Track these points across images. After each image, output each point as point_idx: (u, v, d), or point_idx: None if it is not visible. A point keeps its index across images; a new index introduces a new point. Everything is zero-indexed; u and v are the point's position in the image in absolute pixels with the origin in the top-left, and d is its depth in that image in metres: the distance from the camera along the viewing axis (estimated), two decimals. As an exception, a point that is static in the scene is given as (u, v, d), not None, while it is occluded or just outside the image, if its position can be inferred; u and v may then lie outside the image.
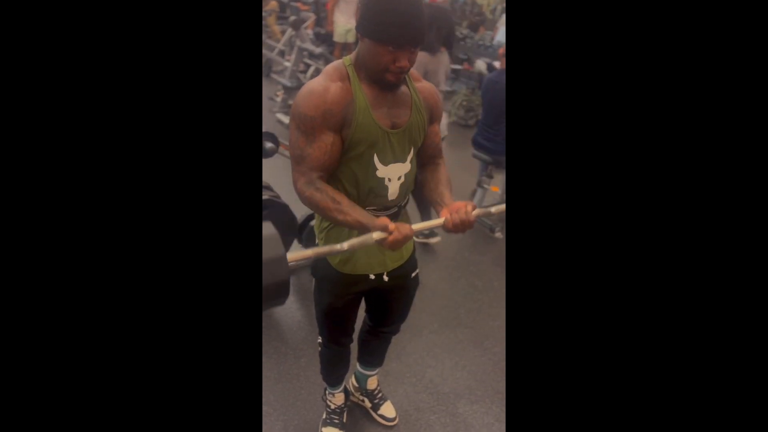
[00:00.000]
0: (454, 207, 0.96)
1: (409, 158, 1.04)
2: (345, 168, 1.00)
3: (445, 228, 0.95)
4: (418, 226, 0.93)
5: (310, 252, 0.79)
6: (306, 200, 0.97)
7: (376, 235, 0.86)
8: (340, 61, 1.01)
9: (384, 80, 0.94)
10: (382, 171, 0.99)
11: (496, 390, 1.74)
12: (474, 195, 3.17)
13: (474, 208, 0.95)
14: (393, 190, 1.03)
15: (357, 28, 0.95)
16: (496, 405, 1.67)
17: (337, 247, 0.82)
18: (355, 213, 0.93)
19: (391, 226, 0.89)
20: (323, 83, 0.95)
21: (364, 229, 0.92)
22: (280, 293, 0.71)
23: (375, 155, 0.98)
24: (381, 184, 1.01)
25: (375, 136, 0.96)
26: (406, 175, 1.04)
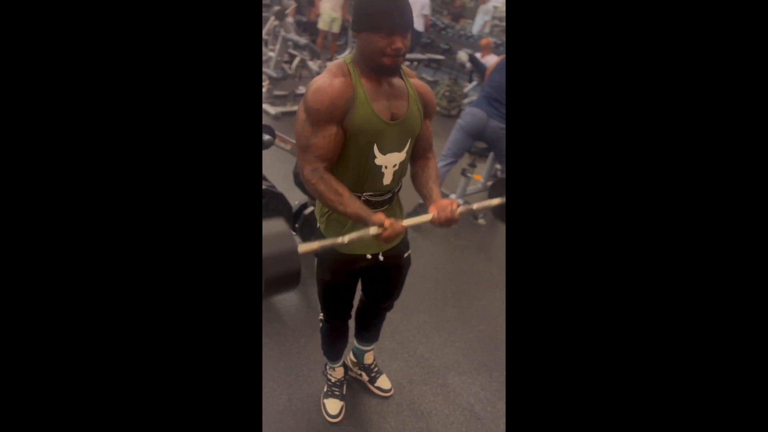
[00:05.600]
0: (441, 205, 1.10)
1: (405, 149, 1.14)
2: (346, 155, 1.10)
3: (432, 223, 1.09)
4: (408, 222, 1.07)
5: (315, 244, 0.92)
6: (311, 188, 1.08)
7: (373, 230, 0.99)
8: (341, 59, 1.11)
9: (382, 66, 1.04)
10: (380, 159, 1.10)
11: (482, 363, 1.88)
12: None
13: (458, 206, 1.10)
14: (388, 176, 1.14)
15: (353, 27, 1.05)
16: (483, 376, 1.82)
17: (339, 240, 0.96)
18: (354, 206, 1.06)
19: (386, 223, 1.02)
20: (327, 80, 1.05)
21: (361, 221, 1.05)
22: (293, 281, 0.84)
23: (375, 144, 1.08)
24: (378, 171, 1.11)
25: (375, 127, 1.06)
26: (401, 163, 1.15)
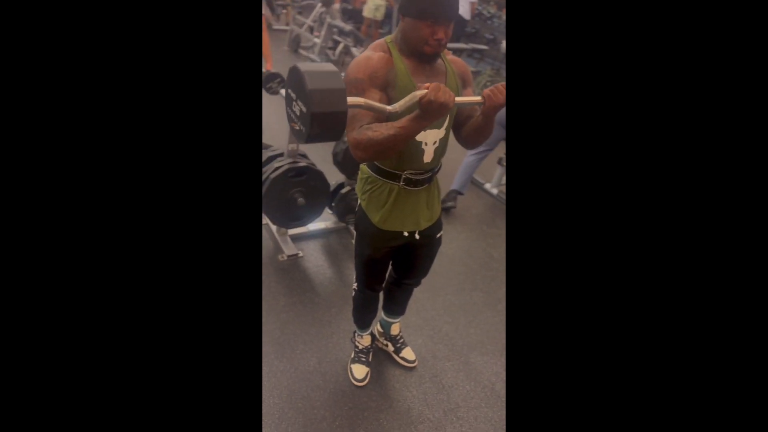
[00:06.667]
0: (491, 89, 1.03)
1: (445, 125, 1.17)
2: None
3: (483, 98, 1.03)
4: (460, 99, 1.01)
5: (362, 100, 0.87)
6: (361, 147, 0.99)
7: (419, 93, 0.92)
8: (381, 39, 1.16)
9: (423, 52, 1.08)
10: (420, 135, 1.13)
11: (505, 346, 1.92)
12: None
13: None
14: (428, 154, 1.18)
15: (399, 9, 1.10)
16: (505, 358, 1.86)
17: (389, 108, 0.89)
18: (401, 119, 0.97)
19: (427, 85, 0.93)
20: (367, 54, 1.10)
21: (411, 121, 0.96)
22: (338, 124, 0.77)
23: None
24: (418, 148, 1.16)
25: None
26: (440, 140, 1.18)
